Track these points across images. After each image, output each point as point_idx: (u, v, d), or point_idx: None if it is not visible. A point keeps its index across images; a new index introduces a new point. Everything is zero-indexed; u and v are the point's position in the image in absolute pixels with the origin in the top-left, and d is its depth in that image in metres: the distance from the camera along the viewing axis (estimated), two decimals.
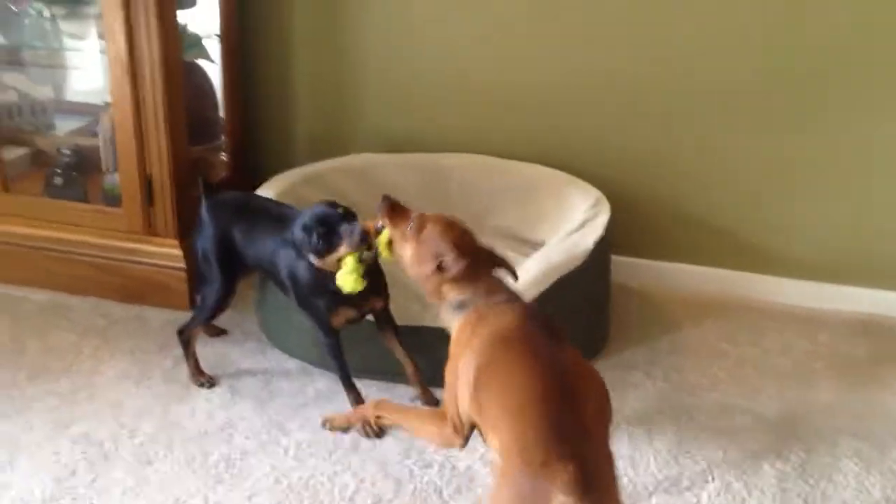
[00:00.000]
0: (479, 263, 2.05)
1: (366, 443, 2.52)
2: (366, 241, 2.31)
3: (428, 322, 2.68)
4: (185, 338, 2.77)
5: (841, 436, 2.58)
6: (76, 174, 3.32)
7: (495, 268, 2.10)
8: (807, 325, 3.08)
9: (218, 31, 3.35)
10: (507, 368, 1.88)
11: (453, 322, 2.05)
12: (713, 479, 2.42)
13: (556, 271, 2.72)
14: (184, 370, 2.79)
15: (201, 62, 3.49)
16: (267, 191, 3.07)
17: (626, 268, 3.22)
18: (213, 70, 3.46)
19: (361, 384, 2.74)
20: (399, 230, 2.10)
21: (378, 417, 2.40)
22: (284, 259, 2.56)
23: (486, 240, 3.14)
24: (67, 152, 3.36)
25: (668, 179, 3.20)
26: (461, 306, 2.01)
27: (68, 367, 2.82)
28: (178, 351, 2.84)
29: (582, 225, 2.90)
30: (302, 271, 2.52)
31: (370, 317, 2.64)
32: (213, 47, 3.41)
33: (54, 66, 3.67)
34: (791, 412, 2.67)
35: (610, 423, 1.93)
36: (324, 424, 2.57)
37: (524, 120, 3.26)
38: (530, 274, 2.72)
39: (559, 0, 3.09)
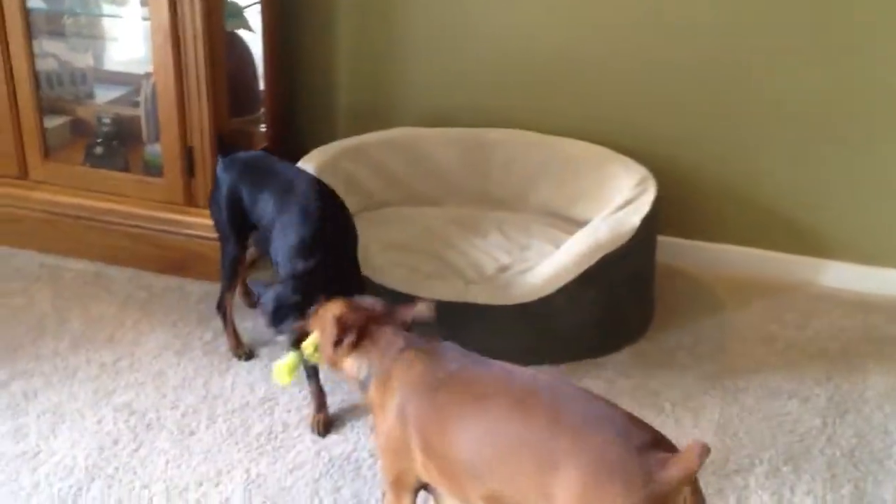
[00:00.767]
0: (372, 326, 1.95)
1: None
2: (299, 343, 2.12)
3: (472, 298, 2.66)
4: (223, 310, 2.75)
5: (892, 422, 2.53)
6: (116, 144, 3.31)
7: (397, 322, 1.98)
8: (856, 309, 3.02)
9: (259, 1, 3.31)
10: (455, 418, 1.76)
11: (367, 400, 1.97)
12: (761, 462, 2.38)
13: (601, 249, 2.68)
14: (224, 342, 2.77)
15: (242, 32, 3.46)
16: (308, 163, 3.04)
17: (672, 248, 3.16)
18: (254, 40, 3.42)
19: None
20: (315, 327, 2.05)
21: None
22: (278, 234, 2.48)
23: (526, 218, 3.17)
24: (107, 121, 3.35)
25: (716, 159, 3.14)
26: (366, 380, 1.93)
27: (110, 337, 2.82)
28: (218, 323, 2.84)
29: (628, 203, 2.85)
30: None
31: None
32: (254, 17, 3.38)
33: (95, 34, 3.65)
34: (840, 397, 2.62)
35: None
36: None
37: (569, 96, 3.20)
38: (575, 251, 2.68)
39: None
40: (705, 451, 1.50)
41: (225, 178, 2.67)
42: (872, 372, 2.72)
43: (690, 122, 3.12)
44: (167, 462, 2.35)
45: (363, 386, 1.94)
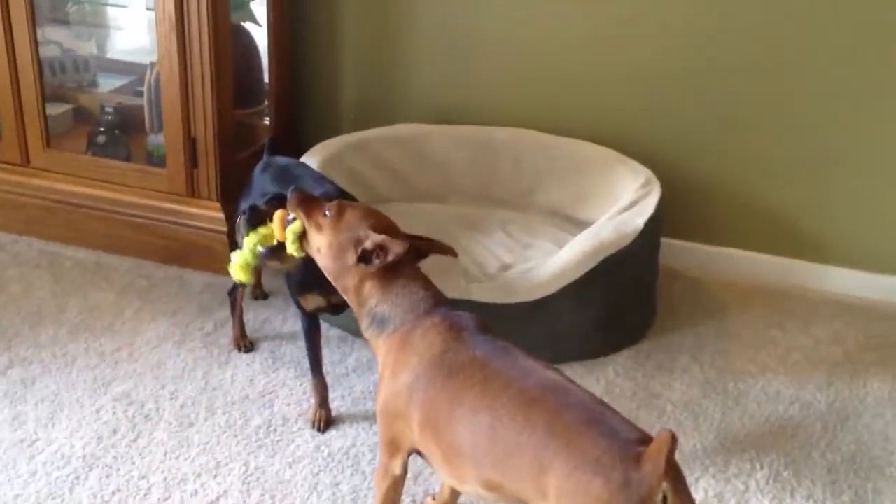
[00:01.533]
0: (402, 269, 1.82)
1: None
2: (252, 221, 2.05)
3: (473, 296, 2.66)
4: (234, 298, 2.73)
5: (892, 429, 2.52)
6: (119, 133, 3.29)
7: (423, 257, 1.89)
8: (859, 316, 3.01)
9: None
10: (465, 408, 1.69)
11: (377, 341, 1.85)
12: (762, 466, 2.37)
13: (605, 250, 2.67)
14: (225, 334, 2.76)
15: (247, 25, 3.45)
16: (312, 157, 3.03)
17: (674, 251, 3.16)
18: (260, 33, 3.41)
19: None
20: (313, 220, 1.84)
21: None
22: None
23: (530, 217, 3.17)
24: (110, 110, 3.33)
25: (720, 162, 3.14)
26: (382, 323, 1.80)
27: (109, 326, 2.80)
28: (219, 314, 2.83)
29: (632, 204, 2.84)
30: None
31: None
32: (260, 10, 3.36)
33: (99, 22, 3.64)
34: (841, 403, 2.62)
35: None
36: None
37: (575, 96, 3.19)
38: (579, 251, 2.67)
39: None
40: (669, 439, 1.48)
41: (258, 178, 2.61)
42: (874, 378, 2.72)
43: (695, 126, 3.11)
44: (165, 453, 2.33)
45: (377, 324, 1.79)
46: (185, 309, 2.90)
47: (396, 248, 1.76)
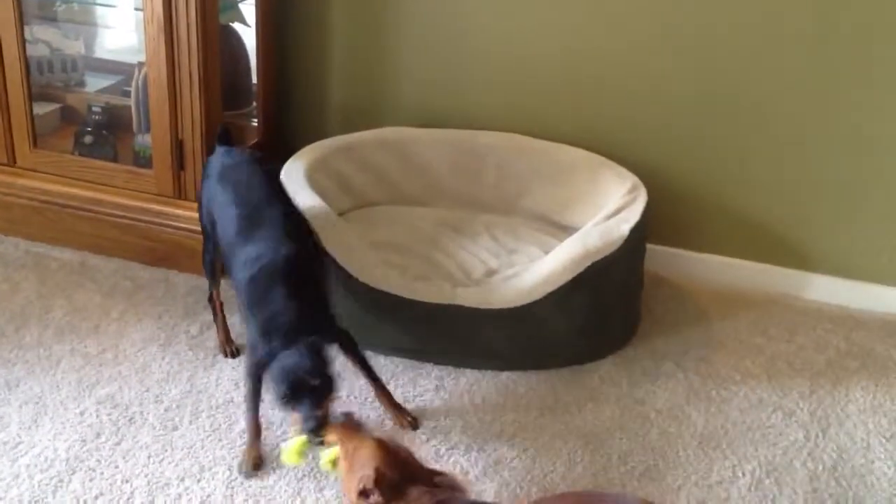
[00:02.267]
0: (405, 486, 1.86)
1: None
2: (317, 433, 2.09)
3: (459, 301, 2.66)
4: (212, 303, 2.74)
5: (874, 438, 2.54)
6: (106, 133, 3.29)
7: (429, 481, 1.91)
8: (841, 324, 3.03)
9: None
10: None
11: None
12: (743, 474, 2.39)
13: (590, 256, 2.68)
14: (210, 337, 2.76)
15: (236, 26, 3.44)
16: (299, 161, 3.03)
17: (658, 257, 3.17)
18: (248, 34, 3.41)
19: (389, 362, 2.72)
20: (344, 449, 1.97)
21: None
22: (240, 278, 2.37)
23: (515, 222, 3.17)
24: (98, 110, 3.32)
25: (705, 169, 3.15)
26: None
27: (95, 327, 2.80)
28: (205, 317, 2.83)
29: (618, 210, 2.85)
30: (253, 327, 2.32)
31: None
32: (249, 11, 3.36)
33: (87, 21, 3.62)
34: (824, 411, 2.63)
35: None
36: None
37: (561, 101, 3.20)
38: (564, 258, 2.68)
39: None
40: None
41: (205, 175, 2.63)
42: (856, 387, 2.74)
43: (680, 133, 3.12)
44: (149, 457, 2.33)
45: None
46: (171, 311, 2.89)
47: (378, 499, 1.83)
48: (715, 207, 3.18)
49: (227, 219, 2.50)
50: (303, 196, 2.84)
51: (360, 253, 2.75)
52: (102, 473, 2.27)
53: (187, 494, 2.23)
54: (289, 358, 2.17)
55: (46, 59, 3.48)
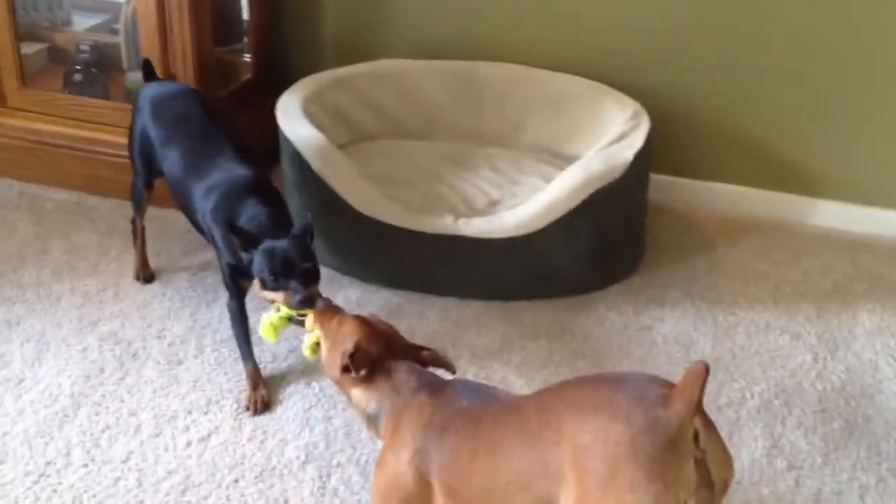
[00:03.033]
0: (388, 360, 1.81)
1: None
2: (304, 307, 2.09)
3: (462, 231, 2.63)
4: (134, 226, 2.70)
5: (882, 358, 2.53)
6: (96, 71, 3.22)
7: (417, 362, 1.86)
8: (847, 249, 3.01)
9: None
10: (468, 454, 1.66)
11: (379, 437, 1.83)
12: (752, 396, 2.38)
13: (594, 183, 2.64)
14: (211, 274, 2.73)
15: None
16: (294, 94, 2.97)
17: (662, 186, 3.12)
18: None
19: (394, 295, 2.70)
20: (324, 330, 1.91)
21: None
22: (203, 208, 2.37)
23: (517, 154, 3.13)
24: (86, 49, 3.26)
25: (707, 95, 3.10)
26: (377, 419, 1.80)
27: (94, 267, 2.76)
28: (204, 255, 2.79)
29: (621, 137, 2.81)
30: (222, 244, 2.32)
31: None
32: None
33: None
34: (831, 334, 2.62)
35: None
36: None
37: (561, 29, 3.13)
38: (568, 184, 2.65)
39: None
40: (704, 370, 1.42)
41: (138, 111, 2.59)
42: (862, 310, 2.72)
43: (682, 60, 3.07)
44: (154, 391, 2.31)
45: (371, 421, 1.82)
46: (170, 249, 2.85)
47: (359, 372, 1.78)
48: (719, 134, 3.14)
49: (172, 157, 2.47)
50: (300, 128, 2.79)
51: (361, 185, 2.71)
52: (108, 408, 2.25)
53: (195, 426, 2.21)
54: (276, 244, 2.18)
55: None
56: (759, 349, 2.56)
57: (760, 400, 2.37)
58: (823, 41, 2.94)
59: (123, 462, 2.11)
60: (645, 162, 2.80)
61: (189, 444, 2.16)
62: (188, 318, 2.57)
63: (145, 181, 2.62)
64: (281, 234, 2.21)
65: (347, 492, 2.07)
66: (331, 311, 1.95)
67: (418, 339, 2.47)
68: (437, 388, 1.77)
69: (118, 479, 2.06)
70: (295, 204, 2.78)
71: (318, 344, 1.93)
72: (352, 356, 1.77)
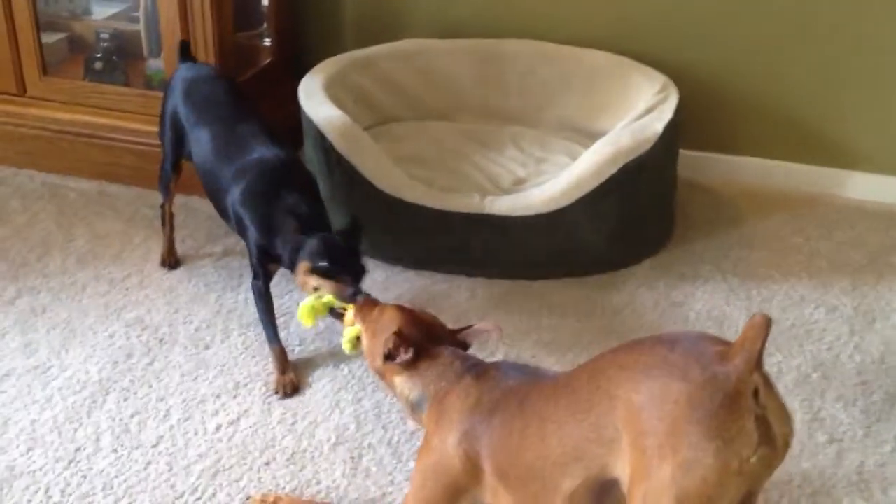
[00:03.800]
0: (430, 346, 1.80)
1: None
2: (353, 300, 2.06)
3: (489, 210, 2.59)
4: (163, 211, 2.69)
5: None
6: (116, 59, 3.20)
7: (456, 341, 1.86)
8: (879, 220, 2.95)
9: None
10: (518, 432, 1.62)
11: (422, 423, 1.82)
12: (790, 370, 2.33)
13: (623, 156, 2.60)
14: (236, 258, 2.71)
15: None
16: (316, 76, 2.94)
17: (691, 161, 3.07)
18: None
19: (420, 276, 2.67)
20: (365, 322, 1.91)
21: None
22: (234, 190, 2.34)
23: (542, 132, 3.09)
24: (106, 37, 3.24)
25: (737, 69, 3.04)
26: (420, 405, 1.79)
27: (118, 254, 2.74)
28: (228, 240, 2.78)
29: (649, 110, 2.76)
30: (254, 227, 2.29)
31: None
32: None
33: None
34: (868, 306, 2.57)
35: None
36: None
37: (585, 4, 3.09)
38: (596, 159, 2.60)
39: None
40: (766, 323, 1.37)
41: (171, 93, 2.57)
42: None
43: (711, 32, 3.02)
44: (183, 375, 2.29)
45: (415, 408, 1.80)
46: (194, 235, 2.83)
47: (404, 356, 1.78)
48: (748, 108, 3.08)
49: (202, 139, 2.46)
50: (324, 110, 2.76)
51: (386, 166, 2.68)
52: (136, 393, 2.23)
53: (224, 410, 2.19)
54: (332, 235, 2.21)
55: None
56: (794, 322, 2.50)
57: (798, 373, 2.32)
58: (858, 13, 2.88)
59: (153, 447, 2.09)
60: (674, 134, 2.75)
61: (219, 427, 2.14)
62: (214, 302, 2.55)
63: (173, 163, 2.60)
64: (317, 220, 2.23)
65: (380, 472, 2.04)
66: (370, 303, 1.96)
67: (445, 319, 2.46)
68: (482, 371, 1.76)
69: (148, 463, 2.04)
70: (320, 186, 2.75)
71: (358, 339, 1.93)
72: (396, 341, 1.76)
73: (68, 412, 2.17)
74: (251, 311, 2.50)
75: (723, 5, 2.97)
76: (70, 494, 1.96)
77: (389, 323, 1.82)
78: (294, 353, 2.38)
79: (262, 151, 2.37)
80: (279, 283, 2.47)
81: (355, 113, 2.94)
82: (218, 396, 2.23)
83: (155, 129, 2.99)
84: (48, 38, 3.22)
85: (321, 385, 2.27)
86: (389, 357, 1.78)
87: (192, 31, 2.91)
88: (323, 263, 2.15)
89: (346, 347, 1.97)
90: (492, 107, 3.16)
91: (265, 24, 3.39)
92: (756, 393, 1.38)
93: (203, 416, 2.17)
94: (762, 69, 3.02)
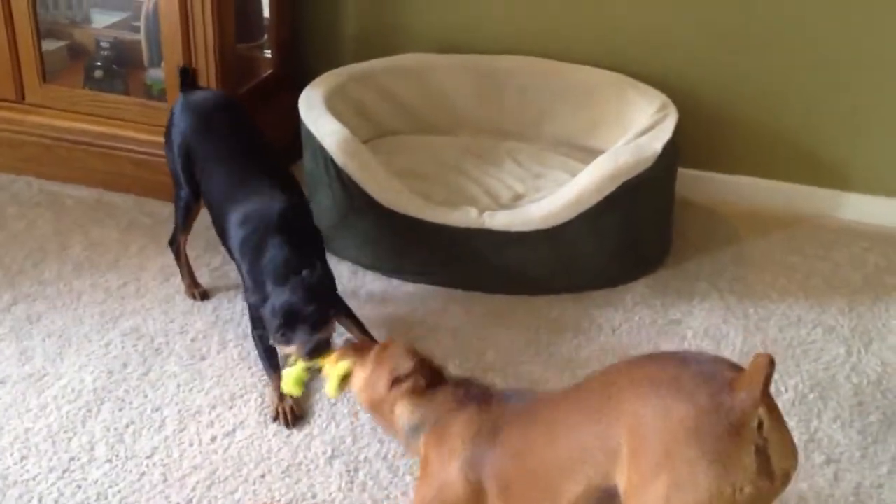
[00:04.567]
0: (436, 381, 1.81)
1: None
2: (316, 354, 2.04)
3: (487, 225, 2.60)
4: (175, 247, 2.62)
5: None
6: (116, 67, 3.20)
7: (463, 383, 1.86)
8: (877, 241, 2.96)
9: None
10: (522, 445, 1.65)
11: (417, 448, 1.80)
12: (787, 390, 2.33)
13: (623, 174, 2.60)
14: (232, 269, 2.69)
15: None
16: (316, 89, 2.94)
17: (688, 181, 3.07)
18: None
19: (417, 289, 2.67)
20: (361, 360, 1.89)
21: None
22: (235, 239, 2.31)
23: (539, 148, 3.09)
24: (106, 45, 3.24)
25: (734, 89, 3.05)
26: (417, 430, 1.78)
27: (115, 262, 2.74)
28: (225, 251, 2.76)
29: (649, 128, 2.77)
30: (248, 279, 2.26)
31: None
32: None
33: None
34: (865, 327, 2.57)
35: None
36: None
37: (583, 22, 3.10)
38: (597, 176, 2.61)
39: None
40: (768, 362, 1.39)
41: (179, 123, 2.50)
42: None
43: (708, 52, 3.03)
44: (178, 386, 2.28)
45: (409, 435, 1.80)
46: (192, 245, 2.79)
47: (418, 380, 1.79)
48: (745, 128, 3.09)
49: (215, 177, 2.42)
50: (324, 122, 2.76)
51: (385, 179, 2.68)
52: (132, 403, 2.22)
53: (220, 421, 2.18)
54: (279, 296, 2.13)
55: None
56: (791, 342, 2.51)
57: (795, 393, 2.33)
58: (854, 36, 2.90)
59: (148, 457, 2.07)
60: (674, 153, 2.76)
61: (214, 438, 2.13)
62: (210, 313, 2.54)
63: (193, 194, 2.51)
64: (291, 272, 2.16)
65: (376, 486, 2.03)
66: (365, 344, 1.96)
67: (441, 334, 2.49)
68: (485, 399, 1.76)
69: (143, 474, 2.03)
70: (318, 199, 2.75)
71: (346, 377, 1.90)
72: (411, 366, 1.77)
73: (62, 421, 2.16)
74: (247, 321, 2.49)
75: (720, 27, 2.98)
76: None
77: (399, 355, 1.81)
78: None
79: (264, 201, 2.30)
80: None
81: (355, 126, 2.94)
82: (213, 407, 2.22)
83: (154, 138, 3.00)
84: (48, 46, 3.22)
85: (317, 398, 2.26)
86: (398, 381, 1.77)
87: (193, 42, 2.91)
88: (277, 332, 2.10)
89: (331, 393, 1.92)
90: (490, 122, 3.17)
91: (265, 37, 3.40)
92: (760, 425, 1.40)
93: (198, 427, 2.16)
94: (760, 90, 3.04)
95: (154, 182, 3.02)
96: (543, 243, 2.61)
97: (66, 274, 2.67)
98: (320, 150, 2.72)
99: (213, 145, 2.45)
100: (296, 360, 2.09)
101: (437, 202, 2.69)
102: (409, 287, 2.68)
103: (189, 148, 2.48)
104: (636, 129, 2.80)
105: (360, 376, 1.87)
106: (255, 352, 2.36)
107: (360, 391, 1.87)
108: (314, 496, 2.00)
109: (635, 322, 2.58)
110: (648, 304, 2.65)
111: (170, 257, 2.73)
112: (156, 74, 3.12)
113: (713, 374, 1.44)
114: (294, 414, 2.20)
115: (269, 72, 3.32)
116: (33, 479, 2.01)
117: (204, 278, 2.68)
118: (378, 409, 1.85)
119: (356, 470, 2.07)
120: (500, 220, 2.61)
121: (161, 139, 2.95)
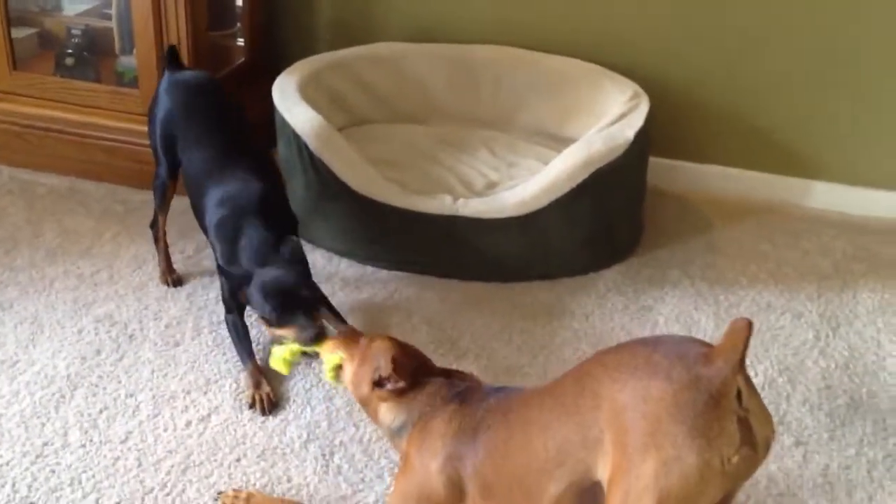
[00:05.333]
0: (421, 379, 1.80)
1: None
2: (315, 342, 2.03)
3: (461, 212, 2.61)
4: (154, 231, 2.61)
5: (884, 336, 2.52)
6: (88, 55, 3.18)
7: (445, 375, 1.85)
8: (845, 229, 3.01)
9: None
10: (502, 442, 1.65)
11: (401, 447, 1.81)
12: (756, 374, 2.36)
13: (595, 162, 2.63)
14: (206, 256, 2.69)
15: None
16: (290, 76, 2.94)
17: (659, 169, 3.10)
18: None
19: (393, 277, 2.67)
20: (349, 352, 1.90)
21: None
22: (210, 219, 2.31)
23: (514, 137, 3.11)
24: (77, 33, 3.21)
25: (704, 79, 3.09)
26: (402, 429, 1.79)
27: (87, 250, 2.72)
28: (200, 238, 2.74)
29: (621, 117, 2.79)
30: (222, 261, 2.25)
31: None
32: None
33: None
34: (833, 312, 2.61)
35: None
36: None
37: (557, 12, 3.12)
38: (569, 164, 2.63)
39: None
40: (747, 327, 1.39)
41: (164, 101, 2.50)
42: (863, 289, 2.72)
43: (680, 42, 3.06)
44: (153, 371, 2.28)
45: (394, 434, 1.81)
46: (166, 232, 2.81)
47: (397, 384, 1.78)
48: (716, 118, 3.13)
49: (196, 157, 2.41)
50: (297, 110, 2.76)
51: (359, 167, 2.68)
52: (105, 388, 2.21)
53: (194, 406, 2.18)
54: (269, 275, 2.12)
55: None
56: (760, 328, 2.54)
57: (764, 377, 2.36)
58: (821, 26, 2.94)
59: (122, 442, 2.07)
60: (645, 141, 2.78)
61: (189, 423, 2.13)
62: (184, 299, 2.54)
63: (170, 171, 2.51)
64: (273, 253, 2.16)
65: (351, 470, 2.04)
66: (355, 334, 1.96)
67: (417, 320, 2.50)
68: (466, 396, 1.76)
69: (117, 458, 2.03)
70: (292, 186, 2.75)
71: (339, 367, 1.91)
72: (393, 368, 1.76)
73: (35, 407, 2.14)
74: (222, 308, 2.49)
75: (691, 18, 3.02)
76: (37, 489, 1.94)
77: (380, 352, 1.81)
78: (265, 350, 2.36)
79: (243, 182, 2.30)
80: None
81: (329, 114, 2.94)
82: (188, 393, 2.22)
83: (125, 125, 3.00)
84: (18, 34, 3.19)
85: (292, 383, 2.27)
86: (379, 384, 1.78)
87: (165, 29, 2.90)
88: (273, 313, 2.10)
89: (328, 377, 1.94)
90: (464, 111, 3.18)
91: (238, 24, 3.38)
92: (739, 395, 1.41)
93: (173, 413, 2.15)
94: (729, 81, 3.07)
95: (126, 169, 3.01)
96: (517, 230, 2.63)
97: (39, 261, 2.65)
98: (294, 137, 2.72)
99: (196, 124, 2.45)
100: (292, 342, 2.08)
101: (411, 190, 2.70)
102: (384, 274, 2.69)
103: (172, 126, 2.48)
104: (609, 118, 2.82)
105: (349, 370, 1.88)
106: (229, 339, 2.36)
107: (349, 385, 1.89)
108: (289, 480, 2.01)
109: (608, 308, 2.60)
110: (620, 290, 2.68)
111: (144, 245, 2.73)
112: (127, 62, 3.10)
113: (686, 350, 1.45)
114: (270, 401, 2.20)
115: (242, 59, 3.32)
116: (6, 464, 2.00)
117: (178, 265, 2.67)
118: (365, 405, 1.86)
119: (331, 454, 2.08)
120: (473, 208, 2.63)
121: (133, 126, 2.98)
